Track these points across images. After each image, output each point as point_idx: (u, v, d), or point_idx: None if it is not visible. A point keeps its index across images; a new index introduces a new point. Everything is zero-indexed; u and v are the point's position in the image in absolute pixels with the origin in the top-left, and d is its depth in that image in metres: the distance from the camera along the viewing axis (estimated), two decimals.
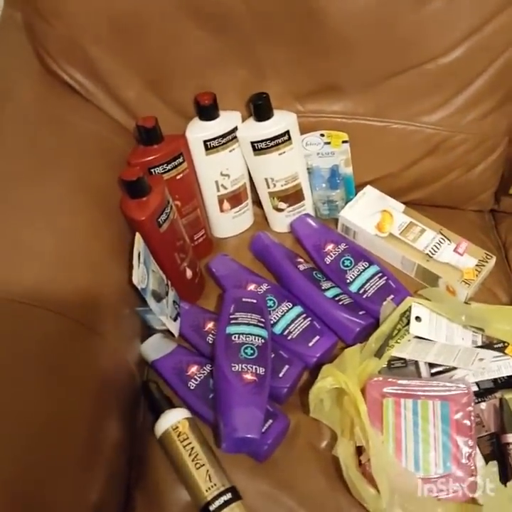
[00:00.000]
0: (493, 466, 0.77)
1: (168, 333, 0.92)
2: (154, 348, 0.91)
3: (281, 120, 0.99)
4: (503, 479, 0.77)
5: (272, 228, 1.12)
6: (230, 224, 1.10)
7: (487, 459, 0.82)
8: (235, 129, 1.00)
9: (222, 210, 1.07)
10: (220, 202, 1.06)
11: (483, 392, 0.88)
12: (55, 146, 0.89)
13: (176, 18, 0.93)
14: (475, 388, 0.86)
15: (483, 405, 0.87)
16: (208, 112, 0.98)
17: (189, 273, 0.97)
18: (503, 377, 0.88)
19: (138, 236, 0.84)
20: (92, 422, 0.74)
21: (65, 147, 0.90)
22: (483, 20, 0.94)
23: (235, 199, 1.07)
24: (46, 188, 0.83)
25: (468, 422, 0.81)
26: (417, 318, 0.92)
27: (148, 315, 0.88)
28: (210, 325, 0.93)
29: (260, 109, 0.98)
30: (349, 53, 0.97)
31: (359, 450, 0.81)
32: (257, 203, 1.12)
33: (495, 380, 0.89)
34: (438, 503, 0.75)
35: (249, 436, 0.78)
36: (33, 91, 0.96)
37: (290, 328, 0.93)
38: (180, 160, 0.97)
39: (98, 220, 0.86)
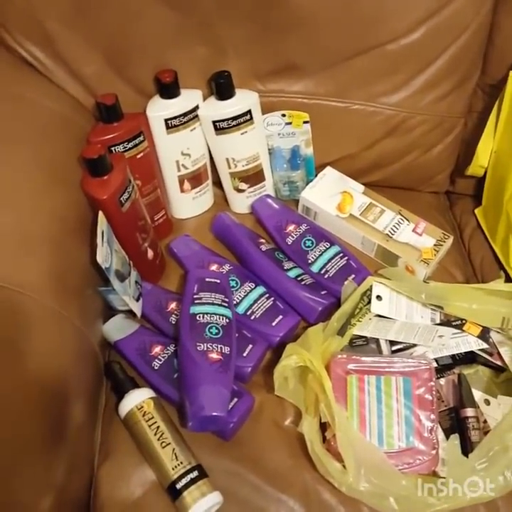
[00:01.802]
0: (455, 439, 0.78)
1: (130, 313, 0.91)
2: (117, 329, 0.90)
3: (243, 99, 0.99)
4: (464, 452, 0.79)
5: (233, 209, 1.11)
6: (190, 205, 1.09)
7: (447, 432, 0.84)
8: (197, 107, 0.99)
9: (182, 191, 1.06)
10: (181, 182, 1.05)
11: (442, 368, 0.90)
12: (15, 123, 0.87)
13: None
14: (434, 365, 0.88)
15: (442, 381, 0.89)
16: (169, 89, 0.97)
17: (150, 253, 0.97)
18: (461, 353, 0.90)
19: (101, 215, 0.82)
20: (56, 403, 0.73)
21: (24, 125, 0.88)
22: (443, 2, 0.95)
23: (195, 179, 1.06)
24: (5, 167, 0.81)
25: (429, 397, 0.82)
26: (378, 297, 0.93)
27: (111, 295, 0.87)
28: (172, 305, 0.93)
29: (222, 87, 0.98)
30: (310, 32, 0.97)
31: (323, 427, 0.82)
32: (217, 183, 1.11)
33: (453, 356, 0.91)
34: (402, 476, 0.76)
35: (215, 414, 0.78)
36: None
37: (253, 308, 0.93)
38: (141, 138, 0.95)
39: (59, 199, 0.84)
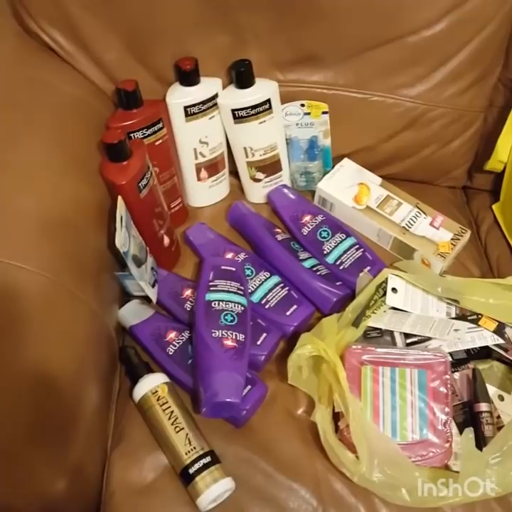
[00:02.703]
0: (470, 433, 0.78)
1: (145, 299, 0.91)
2: (132, 314, 0.91)
3: (263, 88, 0.99)
4: (478, 446, 0.79)
5: (249, 199, 1.11)
6: (206, 193, 1.09)
7: (460, 427, 0.83)
8: (216, 95, 0.99)
9: (199, 179, 1.06)
10: (198, 170, 1.05)
11: (456, 363, 0.90)
12: (34, 108, 0.87)
13: None
14: (449, 359, 0.88)
15: (456, 375, 0.89)
16: (189, 77, 0.97)
17: (166, 240, 0.97)
18: (475, 347, 0.90)
19: (120, 200, 0.82)
20: (70, 385, 0.74)
21: (45, 110, 0.88)
22: None
23: (212, 168, 1.06)
24: (26, 151, 0.81)
25: (444, 390, 0.82)
26: (393, 290, 0.93)
27: (127, 280, 0.87)
28: (187, 292, 0.93)
29: (242, 76, 0.98)
30: (331, 22, 0.97)
31: (336, 417, 0.82)
32: (234, 173, 1.11)
33: (468, 351, 0.90)
34: (416, 468, 0.76)
35: (229, 400, 0.78)
36: (12, 52, 0.94)
37: (268, 297, 0.93)
38: (160, 125, 0.96)
39: (77, 183, 0.84)
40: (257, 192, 1.10)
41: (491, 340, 0.89)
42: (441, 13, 0.95)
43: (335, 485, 0.80)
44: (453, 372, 0.88)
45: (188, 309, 0.91)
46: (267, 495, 0.80)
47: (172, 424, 0.79)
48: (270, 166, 1.07)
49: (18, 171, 0.79)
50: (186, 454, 0.77)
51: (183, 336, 0.88)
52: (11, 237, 0.72)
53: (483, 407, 0.84)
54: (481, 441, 0.81)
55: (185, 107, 0.97)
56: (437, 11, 0.95)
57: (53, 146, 0.85)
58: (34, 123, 0.85)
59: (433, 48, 0.99)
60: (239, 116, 0.99)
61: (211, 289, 0.88)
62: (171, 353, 0.86)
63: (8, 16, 0.96)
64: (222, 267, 0.92)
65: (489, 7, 0.96)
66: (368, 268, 0.98)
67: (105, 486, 0.79)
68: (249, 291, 0.93)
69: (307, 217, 1.03)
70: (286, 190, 1.07)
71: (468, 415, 0.85)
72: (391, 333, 0.91)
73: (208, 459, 0.77)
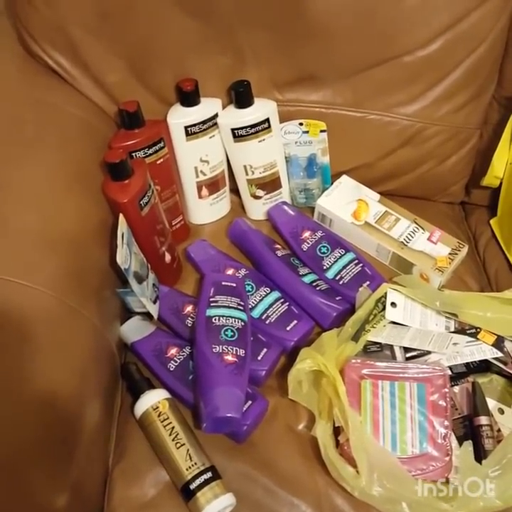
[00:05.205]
0: (469, 446, 0.79)
1: (146, 315, 0.92)
2: (134, 330, 0.91)
3: (262, 108, 1.01)
4: (478, 459, 0.79)
5: (249, 216, 1.12)
6: (207, 210, 1.10)
7: (460, 440, 0.84)
8: (216, 115, 1.01)
9: (200, 197, 1.08)
10: (199, 188, 1.06)
11: (456, 376, 0.90)
12: (38, 128, 0.89)
13: (161, 2, 0.93)
14: (448, 372, 0.88)
15: (456, 389, 0.89)
16: (189, 98, 0.98)
17: (168, 257, 0.98)
18: (475, 361, 0.90)
19: (122, 217, 0.84)
20: (74, 400, 0.74)
21: (47, 130, 0.90)
22: (461, 14, 0.96)
23: (213, 186, 1.07)
24: (30, 169, 0.83)
25: (443, 403, 0.82)
26: (393, 304, 0.94)
27: (129, 297, 0.88)
28: (188, 308, 0.94)
29: (241, 96, 0.99)
30: (329, 42, 0.99)
31: (336, 431, 0.83)
32: (234, 191, 1.12)
33: (467, 365, 0.91)
34: (415, 481, 0.77)
35: (230, 415, 0.79)
36: (17, 73, 0.96)
37: (268, 312, 0.94)
38: (161, 145, 0.97)
39: (80, 201, 0.86)
40: (257, 209, 1.11)
41: (489, 353, 0.89)
42: (435, 34, 0.97)
43: (336, 500, 0.80)
44: (452, 385, 0.89)
45: (189, 325, 0.92)
46: (268, 510, 0.80)
47: (173, 440, 0.80)
48: (270, 184, 1.08)
49: (22, 189, 0.80)
50: (187, 469, 0.78)
51: (184, 351, 0.89)
52: (14, 255, 0.74)
53: (483, 420, 0.84)
54: (481, 455, 0.81)
55: (186, 127, 0.99)
56: (432, 32, 0.97)
57: (57, 165, 0.86)
58: (38, 143, 0.87)
59: (428, 67, 1.01)
60: (238, 135, 1.01)
61: (212, 304, 0.89)
62: (172, 369, 0.87)
63: (13, 40, 0.98)
64: (223, 283, 0.93)
65: (482, 27, 0.98)
66: (368, 283, 0.99)
67: (106, 503, 0.79)
68: (250, 306, 0.94)
69: (307, 233, 1.04)
70: (285, 207, 1.09)
71: (469, 429, 0.85)
72: (391, 347, 0.91)
73: (208, 474, 0.78)
